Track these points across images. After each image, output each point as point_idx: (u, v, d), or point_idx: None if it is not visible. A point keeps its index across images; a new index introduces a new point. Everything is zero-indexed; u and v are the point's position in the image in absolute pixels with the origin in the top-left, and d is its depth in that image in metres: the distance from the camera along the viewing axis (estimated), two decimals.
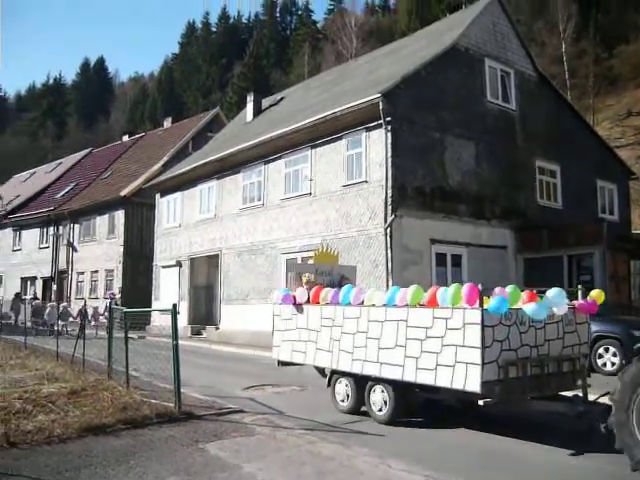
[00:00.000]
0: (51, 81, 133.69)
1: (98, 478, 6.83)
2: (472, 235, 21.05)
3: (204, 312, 28.95)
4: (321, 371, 11.84)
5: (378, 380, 9.82)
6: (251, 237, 25.07)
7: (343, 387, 10.74)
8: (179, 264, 29.90)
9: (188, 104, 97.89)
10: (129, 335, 12.31)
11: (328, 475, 7.06)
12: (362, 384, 10.20)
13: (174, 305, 10.35)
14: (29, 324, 24.04)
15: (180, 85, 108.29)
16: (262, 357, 20.28)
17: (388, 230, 19.00)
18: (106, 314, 24.57)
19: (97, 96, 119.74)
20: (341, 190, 20.93)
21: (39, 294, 40.82)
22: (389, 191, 19.07)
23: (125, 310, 13.35)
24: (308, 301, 11.30)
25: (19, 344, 20.74)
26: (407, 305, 9.39)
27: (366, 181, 20.00)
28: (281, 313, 11.98)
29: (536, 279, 18.14)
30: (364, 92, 20.64)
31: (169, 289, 30.01)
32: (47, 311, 28.34)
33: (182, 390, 10.41)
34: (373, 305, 9.96)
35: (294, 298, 11.51)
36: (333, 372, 10.95)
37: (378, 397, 9.90)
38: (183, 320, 28.12)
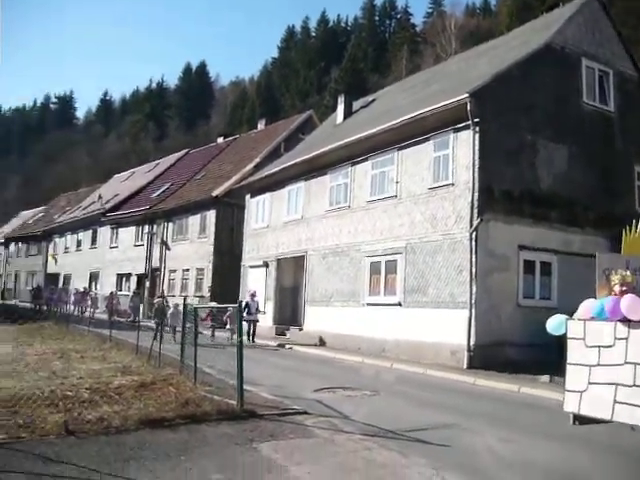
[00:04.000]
0: (154, 85, 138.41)
1: (144, 471, 6.72)
2: (563, 242, 20.10)
3: (289, 313, 28.89)
4: None
5: None
6: (336, 239, 24.83)
7: None
8: (266, 264, 30.00)
9: (286, 107, 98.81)
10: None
11: None
12: None
13: (240, 303, 10.32)
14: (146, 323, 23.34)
15: (279, 89, 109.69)
16: (342, 360, 20.10)
17: (474, 234, 18.37)
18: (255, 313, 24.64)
19: (198, 100, 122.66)
20: (427, 193, 20.43)
21: (132, 289, 41.71)
22: (476, 194, 18.45)
23: (194, 306, 13.37)
24: None
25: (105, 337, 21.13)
26: None
27: (452, 184, 19.43)
28: (586, 335, 7.42)
29: None
30: (453, 93, 20.07)
31: (256, 289, 30.14)
32: (170, 311, 24.14)
33: (251, 389, 10.31)
34: None
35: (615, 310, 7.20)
36: None
37: None
38: (268, 320, 28.22)
